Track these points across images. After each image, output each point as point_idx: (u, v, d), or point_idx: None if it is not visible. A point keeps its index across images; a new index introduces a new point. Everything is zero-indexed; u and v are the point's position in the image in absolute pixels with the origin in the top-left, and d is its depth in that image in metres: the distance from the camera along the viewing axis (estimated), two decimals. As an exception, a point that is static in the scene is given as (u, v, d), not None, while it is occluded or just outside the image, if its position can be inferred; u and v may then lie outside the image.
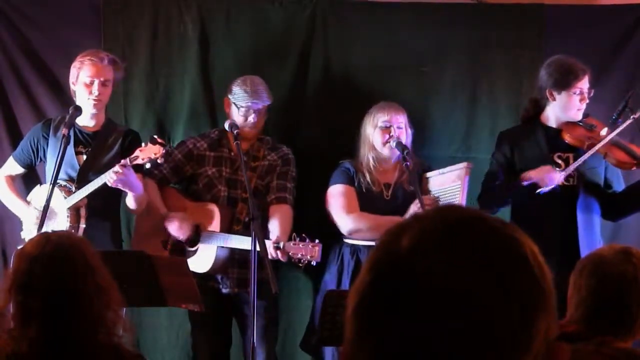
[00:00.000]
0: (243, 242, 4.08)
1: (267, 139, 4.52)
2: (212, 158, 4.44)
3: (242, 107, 4.36)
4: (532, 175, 4.12)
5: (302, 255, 3.95)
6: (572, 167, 4.15)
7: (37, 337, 2.18)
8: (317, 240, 3.98)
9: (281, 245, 4.00)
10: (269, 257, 3.91)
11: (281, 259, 4.03)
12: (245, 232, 4.16)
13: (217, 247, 4.25)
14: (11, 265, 2.36)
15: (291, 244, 3.98)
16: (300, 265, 4.00)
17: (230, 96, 4.42)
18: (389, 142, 4.33)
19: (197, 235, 4.32)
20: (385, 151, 4.38)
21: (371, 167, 4.38)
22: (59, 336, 2.19)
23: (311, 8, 4.89)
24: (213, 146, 4.46)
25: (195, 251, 4.32)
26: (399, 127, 4.36)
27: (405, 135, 4.37)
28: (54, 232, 2.50)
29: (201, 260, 4.28)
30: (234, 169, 4.41)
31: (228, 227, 4.29)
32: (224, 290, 4.37)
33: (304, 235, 3.98)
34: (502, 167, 4.32)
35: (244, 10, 4.91)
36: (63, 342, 2.19)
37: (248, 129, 4.36)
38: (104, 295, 2.25)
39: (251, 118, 4.35)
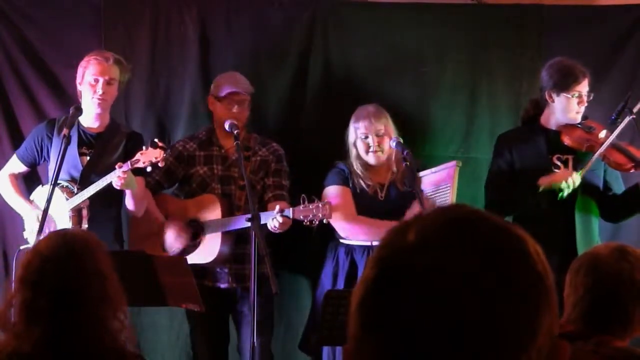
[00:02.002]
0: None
1: (255, 136, 4.54)
2: (202, 157, 4.47)
3: (223, 98, 4.39)
4: (550, 180, 4.10)
5: (313, 215, 3.94)
6: (587, 168, 4.12)
7: (42, 337, 2.17)
8: (326, 199, 3.98)
9: (289, 211, 3.99)
10: (272, 228, 4.00)
11: (282, 227, 4.03)
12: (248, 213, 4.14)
13: (221, 238, 4.25)
14: (19, 261, 2.34)
15: (300, 208, 3.98)
16: (314, 226, 3.98)
17: (212, 93, 4.47)
18: (371, 150, 4.33)
19: (197, 230, 4.33)
20: (370, 159, 4.37)
21: (360, 173, 4.39)
22: (64, 337, 2.18)
23: (311, 8, 4.90)
24: (203, 145, 4.49)
25: (198, 244, 4.34)
26: (377, 135, 4.33)
27: (389, 140, 4.33)
28: (69, 231, 2.45)
29: (205, 251, 4.30)
30: (226, 166, 4.44)
31: (229, 214, 4.31)
32: (222, 286, 4.38)
33: (313, 197, 3.98)
34: (504, 172, 4.31)
35: (244, 10, 4.91)
36: (67, 343, 2.18)
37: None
38: (112, 304, 2.23)
39: (234, 109, 4.37)
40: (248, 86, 4.46)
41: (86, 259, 2.24)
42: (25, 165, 4.50)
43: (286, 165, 4.51)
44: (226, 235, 4.28)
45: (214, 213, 4.32)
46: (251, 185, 4.30)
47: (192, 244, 4.36)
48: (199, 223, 4.36)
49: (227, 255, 4.31)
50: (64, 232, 2.40)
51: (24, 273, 2.24)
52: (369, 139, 4.34)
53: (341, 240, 4.39)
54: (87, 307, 2.20)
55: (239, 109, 4.39)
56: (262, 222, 3.99)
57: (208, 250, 4.30)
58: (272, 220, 4.03)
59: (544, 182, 4.11)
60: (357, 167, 4.38)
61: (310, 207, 3.96)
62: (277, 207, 4.02)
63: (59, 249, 2.24)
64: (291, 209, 4.02)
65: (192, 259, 4.28)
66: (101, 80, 4.26)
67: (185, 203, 4.45)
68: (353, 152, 4.39)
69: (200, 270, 4.28)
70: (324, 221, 3.97)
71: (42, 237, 3.87)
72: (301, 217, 3.97)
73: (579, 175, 4.09)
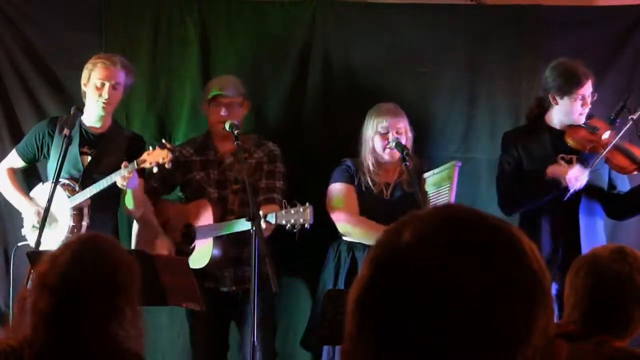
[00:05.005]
0: (239, 225, 4.05)
1: (251, 137, 4.52)
2: (198, 162, 4.45)
3: (210, 101, 4.39)
4: (556, 170, 4.11)
5: (294, 220, 3.92)
6: (590, 169, 4.12)
7: (46, 344, 2.14)
8: (307, 203, 3.93)
9: (271, 217, 3.97)
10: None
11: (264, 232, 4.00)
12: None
13: (213, 243, 4.25)
14: (34, 266, 2.31)
15: (283, 213, 3.96)
16: (295, 231, 3.95)
17: (203, 97, 4.47)
18: (388, 147, 4.34)
19: (191, 234, 4.34)
20: (385, 156, 4.38)
21: (371, 168, 4.39)
22: (68, 346, 2.15)
23: (311, 8, 4.90)
24: (199, 150, 4.48)
25: (193, 248, 4.34)
26: (397, 132, 4.34)
27: (405, 139, 4.35)
28: (89, 238, 2.37)
29: (199, 256, 4.30)
30: (221, 170, 4.43)
31: (221, 219, 4.31)
32: (223, 289, 4.38)
33: (294, 201, 3.96)
34: (513, 168, 4.29)
35: (244, 10, 4.92)
36: (69, 350, 2.16)
37: (222, 123, 4.34)
38: (127, 317, 2.24)
39: (222, 112, 4.36)
40: (234, 88, 4.42)
41: (111, 271, 2.23)
42: (24, 162, 4.48)
43: (281, 165, 4.46)
44: (218, 239, 4.26)
45: (206, 218, 4.31)
46: (244, 186, 4.29)
47: (188, 249, 4.36)
48: (193, 228, 4.36)
49: (222, 259, 4.29)
50: (81, 239, 2.33)
51: (48, 271, 2.19)
52: (389, 135, 4.34)
53: (343, 238, 4.40)
54: (99, 320, 2.18)
55: (226, 112, 4.37)
56: (244, 228, 3.98)
57: (201, 255, 4.29)
58: None
59: (550, 171, 4.11)
60: (369, 162, 4.38)
61: (292, 211, 3.94)
62: (261, 213, 3.99)
63: (89, 256, 2.20)
64: (274, 214, 3.99)
65: None
66: (107, 84, 4.25)
67: (183, 208, 4.45)
68: (368, 146, 4.39)
69: (201, 272, 4.29)
70: (306, 226, 3.92)
71: (42, 236, 3.90)
72: (283, 222, 3.95)
73: (585, 176, 4.08)
